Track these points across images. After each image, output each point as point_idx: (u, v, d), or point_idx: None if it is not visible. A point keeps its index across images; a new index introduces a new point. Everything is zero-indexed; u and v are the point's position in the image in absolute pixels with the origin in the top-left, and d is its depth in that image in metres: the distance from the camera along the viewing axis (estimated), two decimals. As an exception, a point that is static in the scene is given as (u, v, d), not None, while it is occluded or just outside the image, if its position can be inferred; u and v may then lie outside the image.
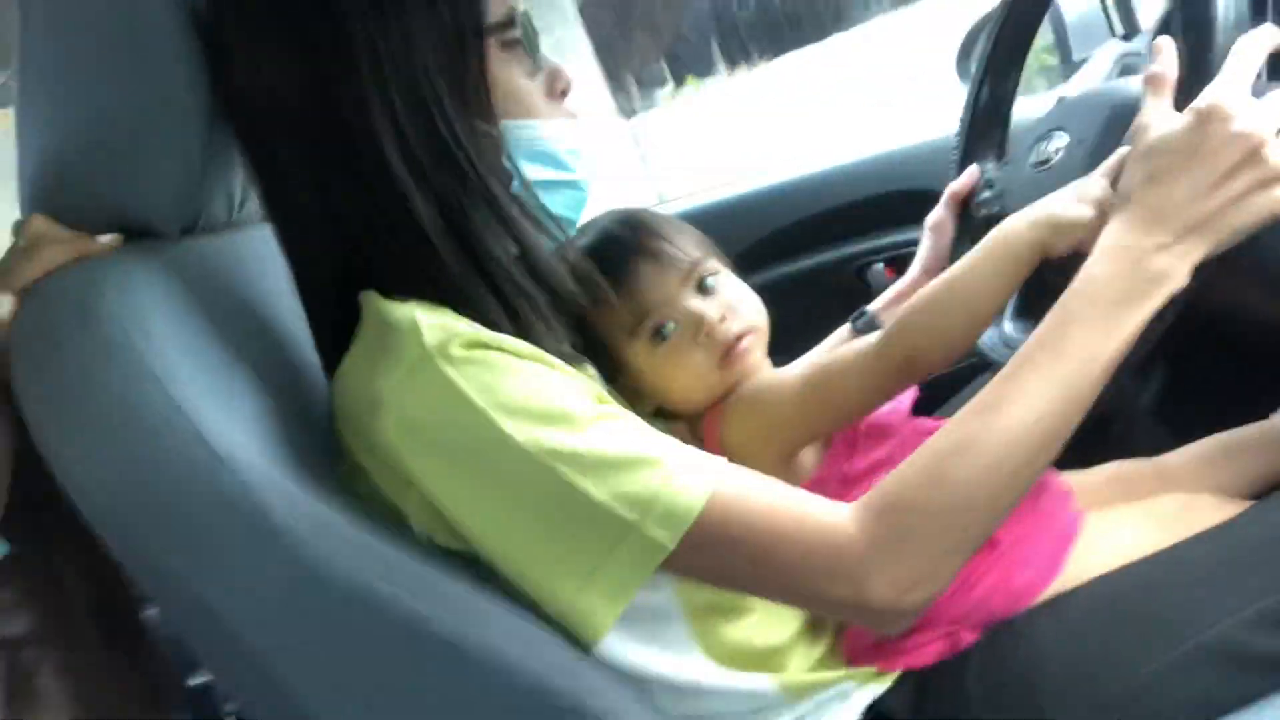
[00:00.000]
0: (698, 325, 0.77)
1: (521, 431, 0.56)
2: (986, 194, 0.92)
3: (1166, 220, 0.57)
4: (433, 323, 0.58)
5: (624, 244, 0.79)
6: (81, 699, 0.59)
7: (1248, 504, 0.75)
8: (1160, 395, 1.04)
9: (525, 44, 0.68)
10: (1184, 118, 0.59)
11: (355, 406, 0.60)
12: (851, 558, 0.56)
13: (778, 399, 0.77)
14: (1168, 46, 0.64)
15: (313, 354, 0.69)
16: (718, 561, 0.58)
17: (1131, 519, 0.79)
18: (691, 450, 0.60)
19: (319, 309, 0.66)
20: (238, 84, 0.62)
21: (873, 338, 0.74)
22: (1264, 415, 0.87)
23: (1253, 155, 0.56)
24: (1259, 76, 0.61)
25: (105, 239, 0.62)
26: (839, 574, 0.57)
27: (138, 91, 0.60)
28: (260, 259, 0.74)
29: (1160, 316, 0.58)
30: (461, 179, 0.61)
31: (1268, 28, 0.60)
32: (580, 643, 0.57)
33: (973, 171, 0.96)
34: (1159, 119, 0.61)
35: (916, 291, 0.75)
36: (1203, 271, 0.57)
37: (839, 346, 0.76)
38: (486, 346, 0.58)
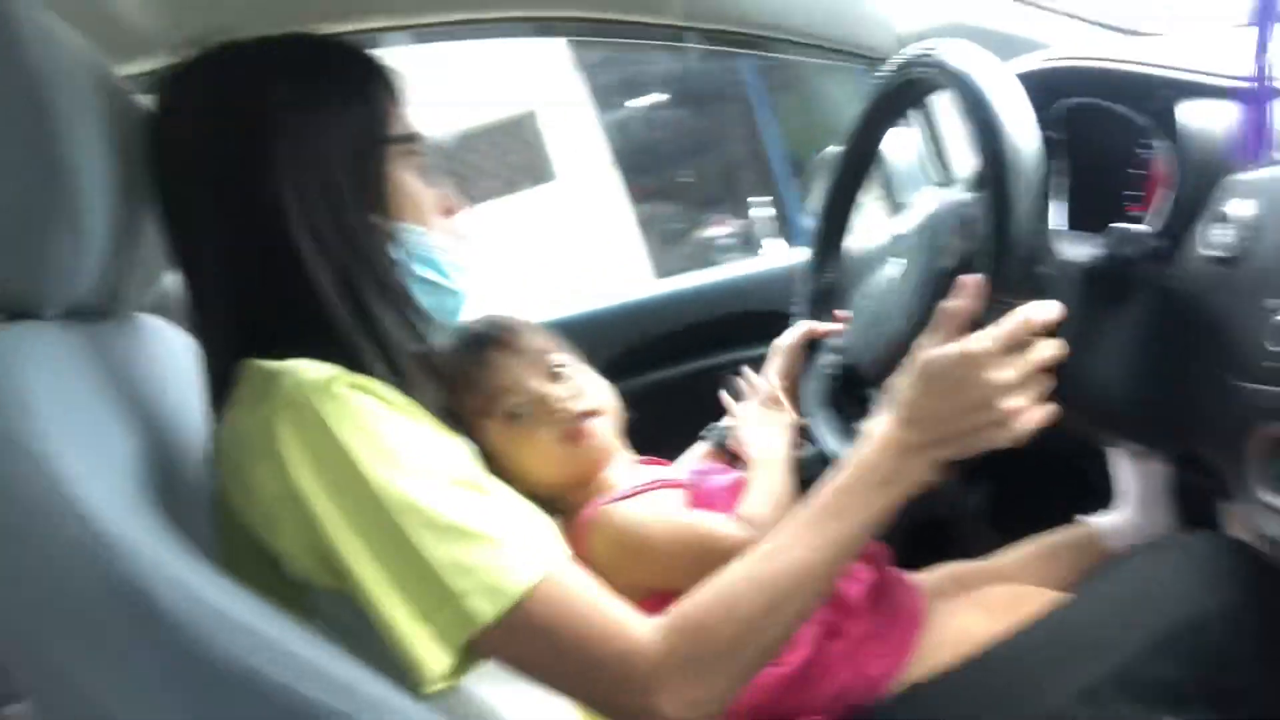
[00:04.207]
0: (542, 403, 0.85)
1: (381, 477, 0.58)
2: (831, 357, 1.00)
3: (922, 429, 0.68)
4: (315, 367, 0.61)
5: (480, 337, 0.88)
6: None
7: (1062, 594, 0.84)
8: (989, 502, 1.16)
9: (421, 166, 0.74)
10: (954, 354, 0.68)
11: (231, 449, 0.62)
12: (647, 670, 0.60)
13: (647, 547, 0.82)
14: (968, 288, 0.71)
15: (191, 434, 0.69)
16: (526, 647, 0.60)
17: (967, 609, 0.86)
18: (536, 534, 0.62)
19: (215, 378, 0.68)
20: (166, 141, 0.68)
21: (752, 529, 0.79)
22: (1072, 518, 0.99)
23: (990, 402, 0.67)
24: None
25: None
26: (633, 683, 0.60)
27: (32, 171, 0.59)
28: (137, 345, 0.75)
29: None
30: (356, 256, 0.67)
31: (1051, 305, 0.70)
32: (414, 683, 0.57)
33: (821, 327, 1.03)
34: (936, 348, 0.70)
35: None
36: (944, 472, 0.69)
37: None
38: (366, 391, 0.61)
